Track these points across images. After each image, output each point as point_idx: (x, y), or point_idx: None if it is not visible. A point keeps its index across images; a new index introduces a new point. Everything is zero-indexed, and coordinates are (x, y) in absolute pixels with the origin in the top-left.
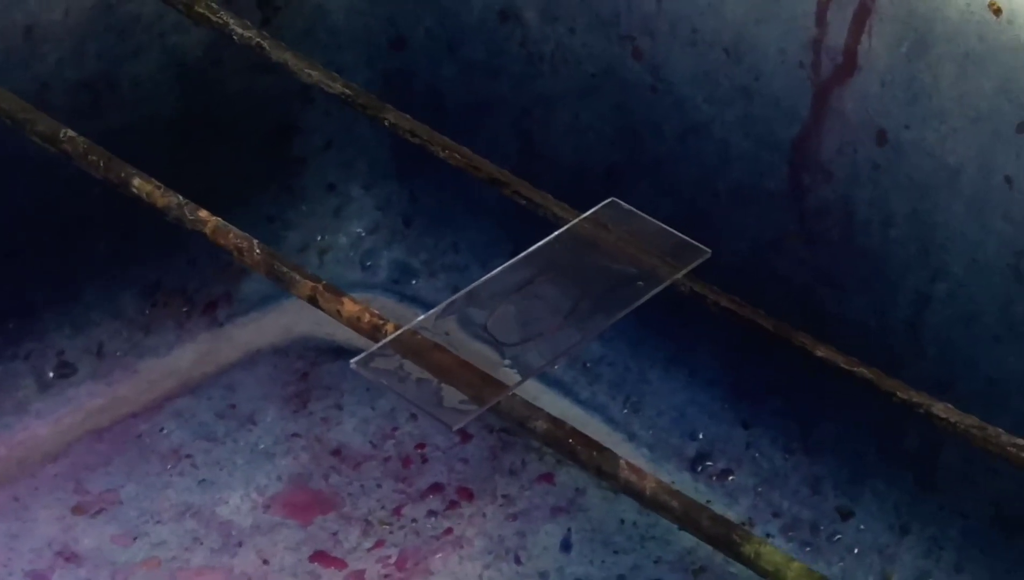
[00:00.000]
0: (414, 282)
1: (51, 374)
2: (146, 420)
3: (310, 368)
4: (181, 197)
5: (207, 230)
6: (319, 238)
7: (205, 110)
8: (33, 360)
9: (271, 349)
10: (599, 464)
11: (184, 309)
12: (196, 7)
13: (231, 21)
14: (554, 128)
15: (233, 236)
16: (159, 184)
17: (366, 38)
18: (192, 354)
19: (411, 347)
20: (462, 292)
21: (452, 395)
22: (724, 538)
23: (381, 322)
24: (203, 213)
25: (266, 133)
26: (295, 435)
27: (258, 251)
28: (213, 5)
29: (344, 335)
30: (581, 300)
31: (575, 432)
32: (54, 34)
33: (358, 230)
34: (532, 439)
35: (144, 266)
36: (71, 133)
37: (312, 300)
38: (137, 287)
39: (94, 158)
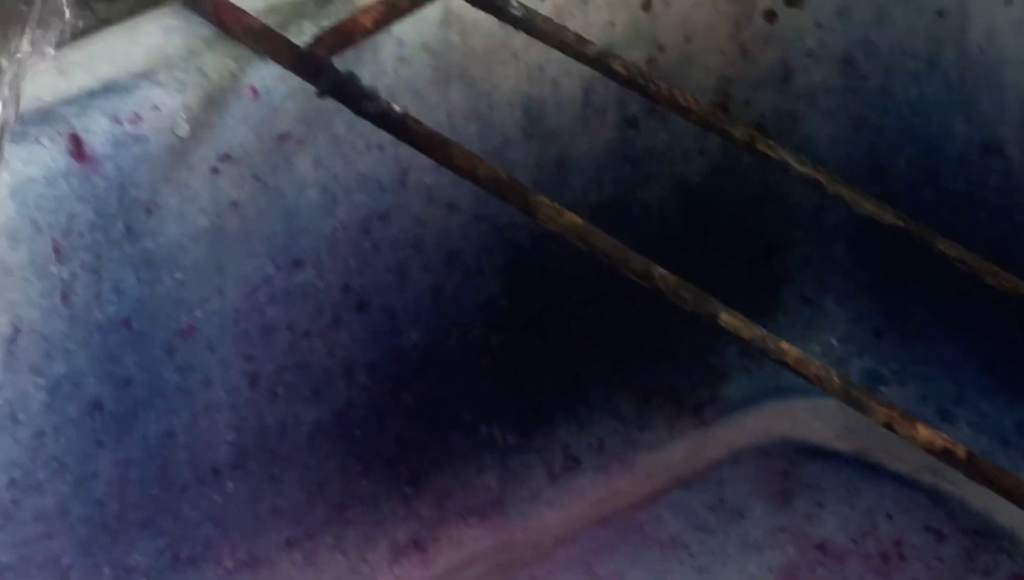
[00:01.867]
0: (883, 389)
1: (559, 467)
2: (645, 510)
3: (791, 467)
4: (766, 330)
5: (789, 360)
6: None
7: (704, 230)
8: (544, 454)
9: (753, 448)
10: None
11: (675, 410)
12: (757, 144)
13: (790, 158)
14: None
15: (813, 366)
16: (743, 317)
17: (847, 165)
18: (683, 451)
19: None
20: None
21: None
22: None
23: (951, 446)
24: (784, 345)
25: (752, 251)
26: (781, 529)
27: (836, 379)
28: (772, 143)
29: (820, 437)
30: None
31: None
32: (579, 164)
33: (830, 340)
34: None
35: (641, 371)
36: (662, 271)
37: (887, 425)
38: (634, 389)
39: (684, 294)
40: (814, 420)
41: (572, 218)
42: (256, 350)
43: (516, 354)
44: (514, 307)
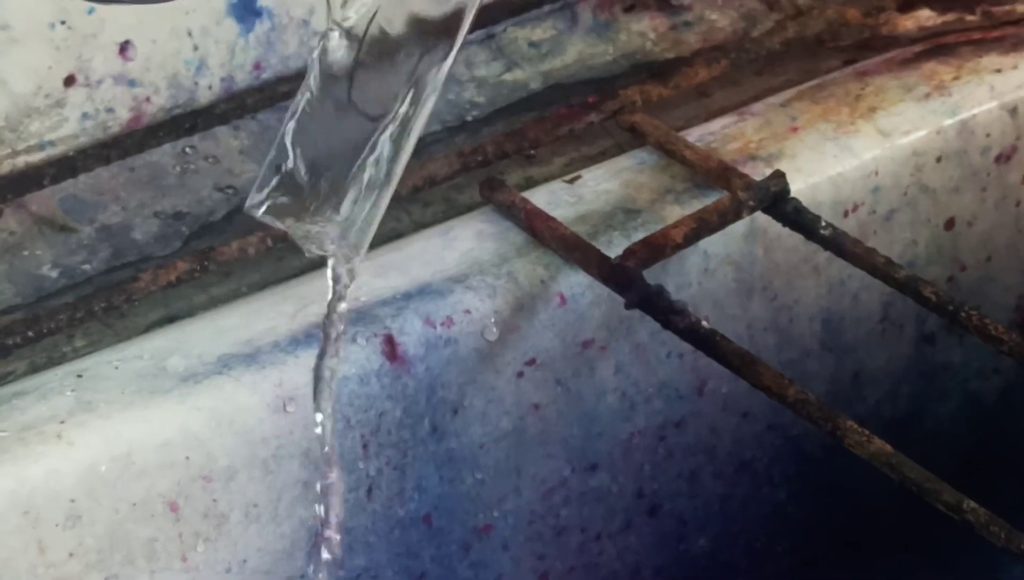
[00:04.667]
0: None
1: None
2: None
3: None
4: None
5: None
6: None
7: (995, 448)
8: None
9: None
10: None
11: None
12: None
13: None
14: None
15: None
16: None
17: None
18: None
19: None
20: None
21: None
22: None
23: None
24: None
25: None
26: None
27: None
28: None
29: None
30: None
31: None
32: (875, 378)
33: None
34: None
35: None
36: (973, 504)
37: None
38: None
39: (995, 529)
40: None
41: (882, 446)
42: (548, 550)
43: (801, 561)
44: (801, 515)
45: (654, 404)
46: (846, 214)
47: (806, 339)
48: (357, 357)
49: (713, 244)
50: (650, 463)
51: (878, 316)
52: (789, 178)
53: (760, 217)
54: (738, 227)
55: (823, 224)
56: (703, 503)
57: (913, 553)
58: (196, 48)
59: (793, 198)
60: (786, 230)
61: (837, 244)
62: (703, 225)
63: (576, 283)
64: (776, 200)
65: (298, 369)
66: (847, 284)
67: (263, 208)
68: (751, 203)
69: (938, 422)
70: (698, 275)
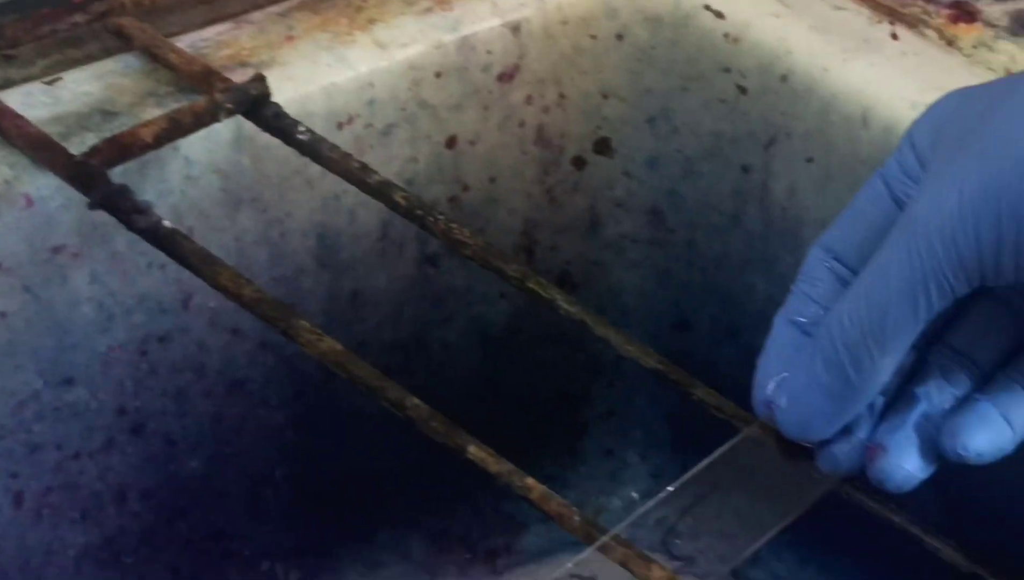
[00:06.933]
0: (678, 542)
1: None
2: None
3: None
4: (511, 465)
5: (533, 496)
6: (594, 499)
7: (503, 375)
8: None
9: None
10: None
11: (466, 556)
12: (528, 282)
13: (558, 297)
14: None
15: (555, 503)
16: (491, 451)
17: (652, 319)
18: None
19: None
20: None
21: None
22: None
23: None
24: (530, 481)
25: (554, 399)
26: None
27: (578, 519)
28: (543, 281)
29: None
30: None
31: None
32: (375, 299)
33: (632, 494)
34: None
35: (433, 515)
36: (416, 401)
37: (624, 564)
38: (425, 533)
39: (435, 424)
40: None
41: (332, 345)
42: (21, 468)
43: (302, 489)
44: (301, 440)
45: (135, 317)
46: (340, 126)
47: (300, 255)
48: None
49: (196, 150)
50: (132, 379)
51: (376, 234)
52: (280, 87)
53: (247, 125)
54: (223, 134)
55: (301, 129)
56: (193, 423)
57: (417, 483)
58: None
59: (274, 103)
60: (276, 140)
61: (314, 149)
62: (176, 126)
63: (45, 185)
64: (256, 104)
65: None
66: (342, 200)
67: None
68: (228, 105)
69: (444, 347)
70: (181, 182)
